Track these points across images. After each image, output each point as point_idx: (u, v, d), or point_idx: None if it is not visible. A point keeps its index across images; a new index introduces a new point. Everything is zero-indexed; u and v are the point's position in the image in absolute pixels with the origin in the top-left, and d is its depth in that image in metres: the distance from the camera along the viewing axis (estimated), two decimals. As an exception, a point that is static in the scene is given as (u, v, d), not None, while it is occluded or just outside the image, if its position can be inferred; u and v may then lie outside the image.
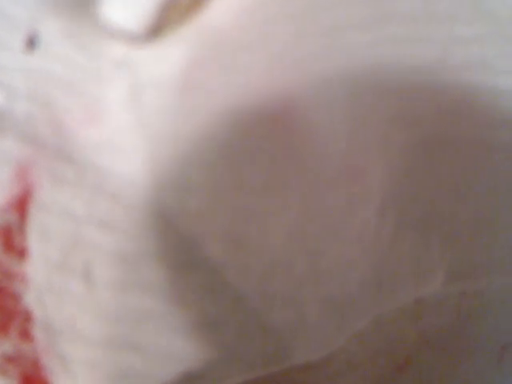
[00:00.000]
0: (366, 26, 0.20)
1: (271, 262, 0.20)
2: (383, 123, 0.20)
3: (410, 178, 0.19)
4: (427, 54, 0.20)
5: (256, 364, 0.20)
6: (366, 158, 0.20)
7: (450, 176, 0.19)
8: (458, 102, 0.20)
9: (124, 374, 0.20)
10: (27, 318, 0.20)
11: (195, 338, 0.20)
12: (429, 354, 0.19)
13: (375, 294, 0.19)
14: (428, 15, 0.20)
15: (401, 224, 0.19)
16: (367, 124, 0.20)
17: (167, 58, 0.21)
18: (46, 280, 0.21)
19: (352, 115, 0.20)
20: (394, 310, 0.19)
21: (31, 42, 0.21)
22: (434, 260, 0.19)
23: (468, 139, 0.19)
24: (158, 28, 0.20)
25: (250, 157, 0.20)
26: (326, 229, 0.20)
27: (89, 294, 0.21)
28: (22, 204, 0.21)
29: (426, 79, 0.20)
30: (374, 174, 0.20)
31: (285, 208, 0.20)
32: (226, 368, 0.20)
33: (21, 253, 0.21)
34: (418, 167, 0.20)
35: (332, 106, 0.20)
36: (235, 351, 0.20)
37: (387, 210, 0.19)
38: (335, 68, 0.20)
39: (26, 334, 0.20)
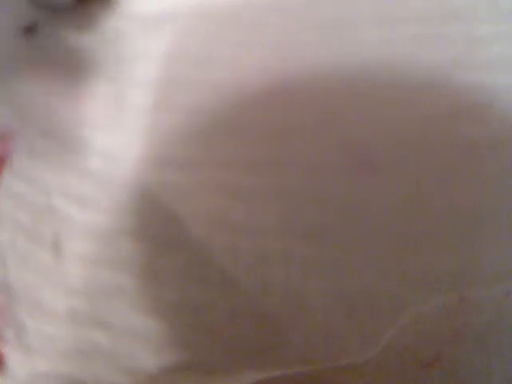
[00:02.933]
0: (379, 23, 0.20)
1: (264, 246, 0.19)
2: (407, 119, 0.19)
3: (441, 178, 0.19)
4: (446, 52, 0.20)
5: (249, 350, 0.18)
6: (381, 151, 0.19)
7: (488, 176, 0.19)
8: (478, 103, 0.19)
9: (87, 352, 0.18)
10: (-16, 277, 0.18)
11: (173, 320, 0.18)
12: (461, 350, 0.18)
13: (401, 291, 0.18)
14: (446, 14, 0.20)
15: (431, 222, 0.19)
16: (381, 115, 0.19)
17: (155, 30, 0.21)
18: (11, 241, 0.19)
19: (366, 105, 0.19)
20: (432, 308, 0.18)
21: (30, 30, 0.21)
22: (475, 259, 0.18)
23: (495, 141, 0.19)
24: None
25: (234, 133, 0.20)
26: (330, 215, 0.19)
27: (56, 266, 0.19)
28: (-6, 167, 0.20)
29: (445, 79, 0.20)
30: (396, 170, 0.19)
31: (279, 189, 0.19)
32: (212, 355, 0.18)
33: (-13, 213, 0.19)
34: (447, 166, 0.19)
35: (336, 92, 0.20)
36: (223, 336, 0.18)
37: (412, 208, 0.19)
38: (340, 58, 0.20)
39: (-20, 294, 0.18)
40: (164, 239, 0.19)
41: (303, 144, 0.20)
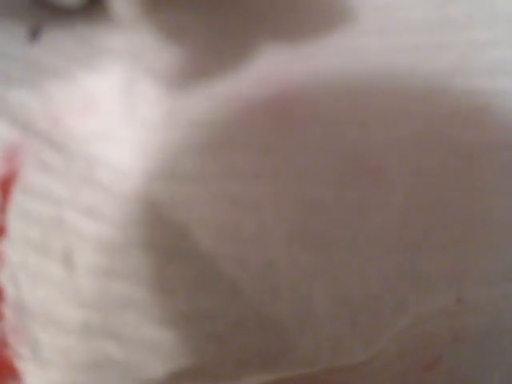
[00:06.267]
0: (378, 32, 0.20)
1: (271, 254, 0.19)
2: (406, 123, 0.20)
3: (440, 182, 0.19)
4: (444, 59, 0.20)
5: (252, 358, 0.18)
6: (386, 156, 0.19)
7: (485, 179, 0.19)
8: (477, 108, 0.19)
9: (100, 363, 0.18)
10: (-2, 296, 0.19)
11: (184, 330, 0.19)
12: (462, 353, 0.18)
13: (402, 293, 0.18)
14: (444, 21, 0.20)
15: (429, 225, 0.19)
16: (382, 124, 0.20)
17: (165, 47, 0.21)
18: (22, 260, 0.19)
19: (365, 112, 0.20)
20: (431, 309, 0.18)
21: (34, 34, 0.22)
22: (473, 261, 0.18)
23: (497, 145, 0.19)
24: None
25: (241, 144, 0.20)
26: (334, 222, 0.19)
27: (67, 279, 0.19)
28: (5, 184, 0.20)
29: (444, 85, 0.20)
30: (396, 174, 0.19)
31: (279, 198, 0.20)
32: (221, 362, 0.18)
33: (-1, 231, 0.19)
34: (446, 170, 0.19)
35: (337, 98, 0.20)
36: (232, 343, 0.18)
37: (411, 211, 0.19)
38: (341, 65, 0.20)
39: (-5, 312, 0.18)
40: (173, 251, 0.20)
41: (308, 156, 0.20)
